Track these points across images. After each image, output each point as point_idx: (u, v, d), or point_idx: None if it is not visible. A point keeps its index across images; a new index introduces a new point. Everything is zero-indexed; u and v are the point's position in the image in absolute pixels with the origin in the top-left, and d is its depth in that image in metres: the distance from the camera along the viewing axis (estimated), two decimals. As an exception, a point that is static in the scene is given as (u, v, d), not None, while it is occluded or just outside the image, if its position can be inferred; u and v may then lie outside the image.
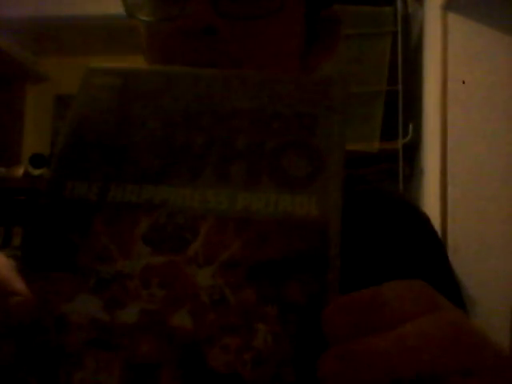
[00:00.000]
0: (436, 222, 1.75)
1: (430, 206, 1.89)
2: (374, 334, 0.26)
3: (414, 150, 2.22)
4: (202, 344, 0.30)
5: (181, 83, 0.36)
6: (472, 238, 1.66)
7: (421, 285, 0.28)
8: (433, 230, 0.56)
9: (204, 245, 0.32)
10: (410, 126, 2.15)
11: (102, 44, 3.56)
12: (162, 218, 0.33)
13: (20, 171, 2.24)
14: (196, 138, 0.35)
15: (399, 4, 2.23)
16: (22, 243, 0.34)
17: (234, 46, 0.44)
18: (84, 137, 0.36)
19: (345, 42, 2.26)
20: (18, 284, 0.29)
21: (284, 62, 0.47)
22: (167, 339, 0.30)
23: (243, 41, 0.45)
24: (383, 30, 2.24)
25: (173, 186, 0.33)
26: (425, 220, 0.56)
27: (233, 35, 0.44)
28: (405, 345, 0.25)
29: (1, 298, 0.28)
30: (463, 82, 1.71)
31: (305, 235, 0.32)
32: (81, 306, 0.31)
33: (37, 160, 2.27)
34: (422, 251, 0.51)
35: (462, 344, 0.25)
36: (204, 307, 0.30)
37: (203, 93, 0.36)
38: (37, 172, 2.22)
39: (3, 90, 3.54)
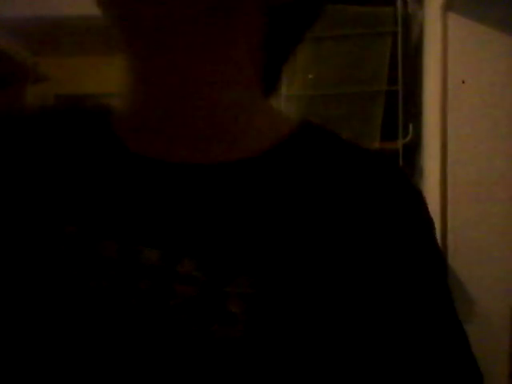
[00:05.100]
0: (436, 222, 1.75)
1: (430, 205, 1.89)
2: None
3: (413, 149, 2.22)
4: None
5: None
6: (472, 237, 1.66)
7: None
8: (424, 212, 0.56)
9: None
10: (410, 126, 2.15)
11: (102, 44, 3.56)
12: None
13: (20, 171, 2.24)
14: None
15: (399, 4, 2.23)
16: None
17: None
18: None
19: (345, 42, 2.26)
20: None
21: None
22: None
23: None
24: (383, 30, 2.24)
25: None
26: (417, 201, 0.54)
27: None
28: None
29: None
30: (463, 82, 1.71)
31: None
32: None
33: (37, 160, 2.27)
34: (410, 232, 0.51)
35: None
36: None
37: None
38: (37, 172, 2.22)
39: (3, 89, 3.54)
